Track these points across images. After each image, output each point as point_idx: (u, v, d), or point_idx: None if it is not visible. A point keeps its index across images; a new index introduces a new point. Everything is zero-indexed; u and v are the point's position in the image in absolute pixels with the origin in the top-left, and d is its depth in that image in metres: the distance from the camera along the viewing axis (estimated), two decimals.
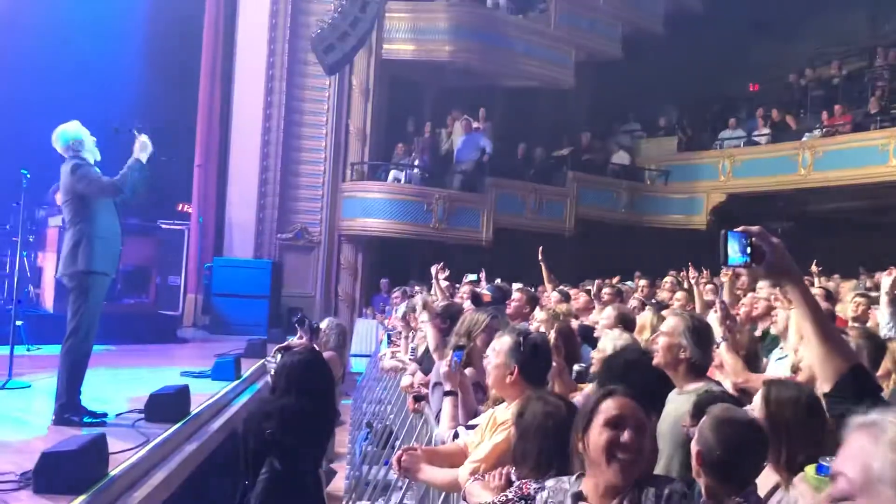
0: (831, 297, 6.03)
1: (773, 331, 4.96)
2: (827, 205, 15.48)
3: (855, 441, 0.96)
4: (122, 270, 10.88)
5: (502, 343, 3.04)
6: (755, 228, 1.88)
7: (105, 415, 5.38)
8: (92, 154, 5.37)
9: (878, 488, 0.90)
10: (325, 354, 6.07)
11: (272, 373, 4.26)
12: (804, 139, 15.07)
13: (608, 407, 2.08)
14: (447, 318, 5.32)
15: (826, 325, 1.92)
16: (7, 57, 12.19)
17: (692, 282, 6.62)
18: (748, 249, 1.87)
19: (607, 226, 16.33)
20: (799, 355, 3.74)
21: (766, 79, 17.99)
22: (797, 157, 14.92)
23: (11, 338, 6.39)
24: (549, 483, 2.20)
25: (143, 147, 5.35)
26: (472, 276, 9.73)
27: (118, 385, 6.78)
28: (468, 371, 3.85)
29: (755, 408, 2.48)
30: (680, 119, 18.14)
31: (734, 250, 1.88)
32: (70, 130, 5.36)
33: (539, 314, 5.75)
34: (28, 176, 6.63)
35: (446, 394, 3.53)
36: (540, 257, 8.43)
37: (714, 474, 2.16)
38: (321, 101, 14.73)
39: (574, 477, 2.14)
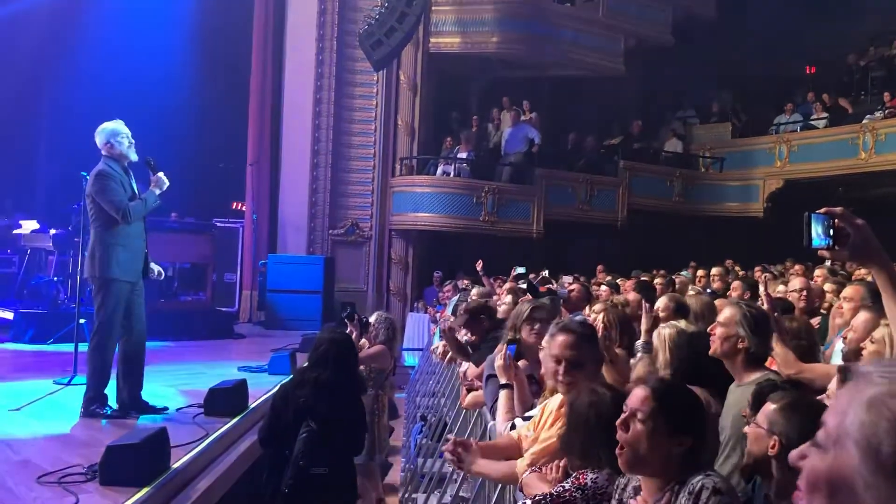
0: None
1: (850, 335, 4.79)
2: (890, 188, 14.96)
3: (844, 391, 0.95)
4: (179, 268, 11.19)
5: (566, 342, 3.00)
6: (838, 210, 1.82)
7: (164, 408, 5.52)
8: (127, 155, 5.50)
9: (845, 444, 0.89)
10: (376, 348, 6.15)
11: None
12: (865, 121, 14.58)
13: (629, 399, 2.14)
14: (479, 314, 5.30)
15: None
16: (68, 61, 12.57)
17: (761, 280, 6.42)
18: (831, 231, 1.81)
19: (660, 215, 16.04)
20: (852, 342, 3.61)
21: (824, 60, 17.47)
22: (858, 140, 14.45)
23: (76, 336, 6.58)
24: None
25: (158, 183, 5.61)
26: (521, 269, 9.68)
27: (177, 380, 6.94)
28: (520, 363, 3.84)
29: (830, 394, 2.41)
30: (734, 104, 17.72)
31: (817, 233, 1.82)
32: (107, 128, 5.51)
33: (597, 306, 5.69)
34: (87, 177, 6.81)
35: (501, 387, 3.51)
36: (480, 272, 8.42)
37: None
38: (370, 97, 14.81)
39: None
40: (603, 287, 7.88)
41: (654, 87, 17.62)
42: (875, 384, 0.90)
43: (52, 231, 10.63)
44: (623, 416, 2.10)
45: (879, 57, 16.23)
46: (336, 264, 13.74)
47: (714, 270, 8.41)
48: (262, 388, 6.45)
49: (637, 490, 2.12)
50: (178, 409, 5.67)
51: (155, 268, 5.78)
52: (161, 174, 5.64)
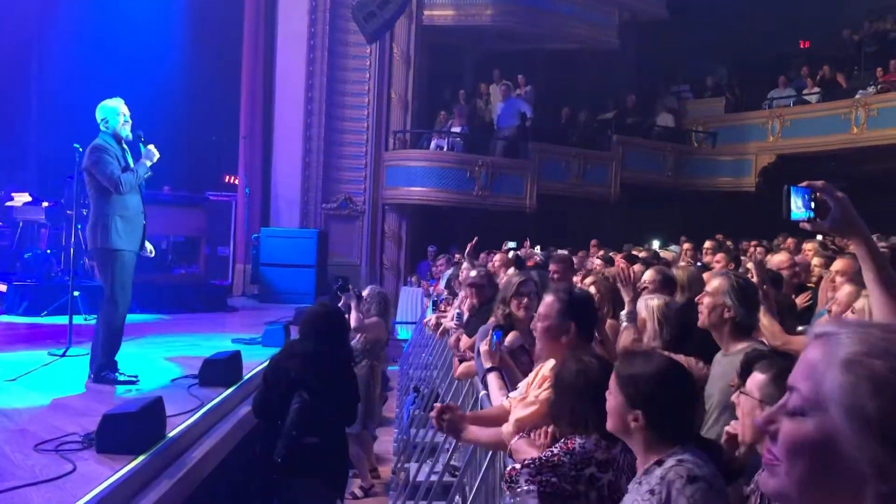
0: None
1: (835, 308, 4.84)
2: (881, 164, 15.01)
3: (811, 352, 0.94)
4: (173, 241, 11.20)
5: (551, 303, 3.04)
6: (819, 183, 1.85)
7: (136, 378, 5.59)
8: (120, 133, 5.61)
9: (827, 407, 0.90)
10: (370, 320, 6.23)
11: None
12: (857, 97, 14.60)
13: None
14: (482, 287, 5.35)
15: (892, 277, 1.89)
16: (59, 34, 12.46)
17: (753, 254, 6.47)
18: (812, 204, 1.85)
19: (653, 190, 16.09)
20: (836, 314, 3.67)
21: (819, 35, 17.42)
22: (850, 115, 14.48)
23: (69, 308, 6.61)
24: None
25: (148, 155, 5.71)
26: (512, 244, 9.73)
27: (172, 352, 6.99)
28: (511, 335, 3.88)
29: None
30: (728, 79, 17.69)
31: (797, 205, 1.86)
32: (106, 105, 5.67)
33: (587, 279, 5.74)
34: (80, 150, 6.79)
35: (488, 370, 3.55)
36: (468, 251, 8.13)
37: None
38: (363, 69, 14.73)
39: None
40: (597, 260, 7.95)
41: (649, 61, 17.57)
42: (845, 345, 0.91)
43: (45, 204, 10.60)
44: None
45: (873, 32, 16.21)
46: (329, 238, 13.76)
47: (706, 244, 8.48)
48: (256, 360, 6.50)
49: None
50: (173, 380, 5.72)
51: (148, 245, 5.86)
52: (151, 146, 5.72)
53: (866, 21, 16.49)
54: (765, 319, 3.83)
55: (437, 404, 3.21)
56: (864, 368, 0.88)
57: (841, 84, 15.44)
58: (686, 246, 9.34)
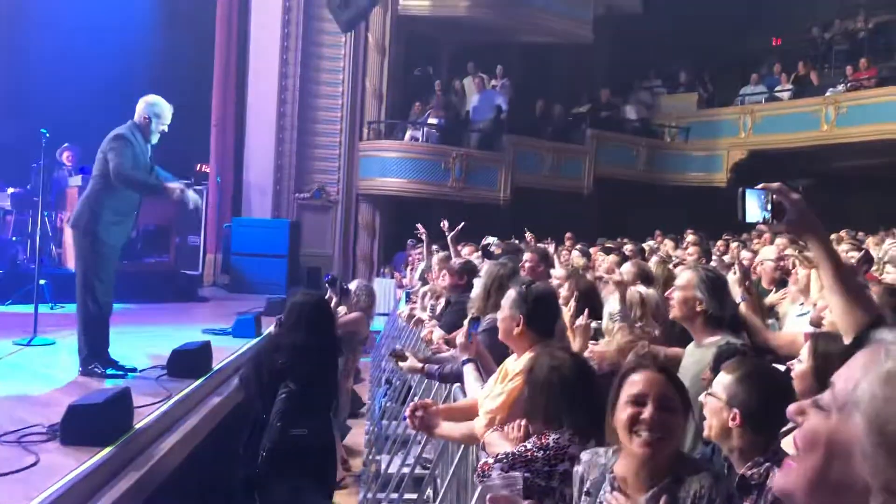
0: (870, 257, 5.91)
1: (793, 288, 4.90)
2: (850, 161, 15.23)
3: (860, 357, 0.92)
4: (143, 230, 11.02)
5: (508, 295, 3.06)
6: (775, 185, 1.87)
7: (132, 369, 5.48)
8: (154, 136, 5.53)
9: (852, 412, 0.87)
10: (354, 314, 6.22)
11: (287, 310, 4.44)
12: (827, 94, 14.78)
13: (632, 382, 2.02)
14: (464, 274, 5.34)
15: (848, 278, 1.91)
16: (24, 19, 12.19)
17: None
18: (768, 206, 1.86)
19: (627, 184, 16.17)
20: (820, 311, 3.71)
21: (790, 33, 17.61)
22: (820, 112, 14.66)
23: (35, 296, 6.48)
24: (585, 456, 2.17)
25: (184, 195, 5.58)
26: (491, 239, 9.67)
27: (141, 342, 6.87)
28: (489, 317, 3.88)
29: (802, 359, 2.44)
30: (701, 74, 17.83)
31: (753, 207, 1.87)
32: (154, 103, 5.55)
33: (557, 271, 5.75)
34: (47, 135, 6.64)
35: (464, 362, 3.55)
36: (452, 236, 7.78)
37: (753, 431, 2.05)
38: (337, 58, 14.62)
39: (611, 451, 2.09)
40: (574, 253, 7.99)
41: (623, 55, 17.62)
42: (894, 357, 0.88)
43: (10, 190, 10.38)
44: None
45: (843, 30, 16.43)
46: (302, 228, 13.65)
47: (689, 238, 8.55)
48: (227, 351, 6.43)
49: (616, 481, 2.03)
50: (141, 371, 5.63)
51: None
52: (193, 194, 5.63)
53: (837, 19, 16.71)
54: (747, 315, 3.87)
55: (413, 403, 3.19)
56: None
57: (812, 82, 15.63)
58: (659, 241, 9.39)
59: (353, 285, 6.48)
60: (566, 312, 4.01)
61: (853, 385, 0.89)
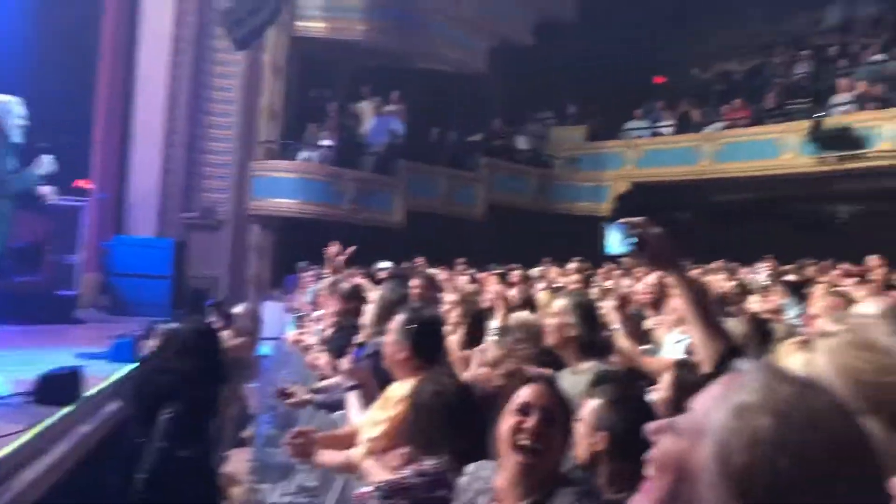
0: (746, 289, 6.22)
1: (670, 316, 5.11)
2: (727, 195, 16.12)
3: (716, 386, 0.95)
4: (12, 247, 10.37)
5: (395, 320, 3.06)
6: (637, 220, 1.95)
7: None
8: (12, 132, 5.22)
9: (703, 438, 0.89)
10: (240, 340, 6.04)
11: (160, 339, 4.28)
12: (706, 131, 15.65)
13: (521, 394, 2.06)
14: (353, 298, 5.30)
15: (706, 309, 2.01)
16: None
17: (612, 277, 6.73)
18: (632, 239, 1.94)
19: (519, 212, 16.54)
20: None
21: (673, 72, 18.56)
22: (699, 148, 15.50)
23: None
24: (470, 468, 2.18)
25: (39, 164, 5.29)
26: (385, 264, 9.64)
27: (7, 367, 6.43)
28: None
29: (663, 387, 2.51)
30: (590, 108, 18.50)
31: (616, 240, 1.95)
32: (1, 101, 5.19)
33: (448, 296, 5.79)
34: None
35: (349, 388, 3.51)
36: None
37: (620, 457, 2.08)
38: (231, 76, 14.33)
39: (496, 464, 2.10)
40: (462, 279, 8.06)
41: (516, 86, 18.08)
42: (748, 390, 0.89)
43: None
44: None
45: (721, 72, 17.48)
46: (189, 249, 13.20)
47: (573, 265, 8.79)
48: (102, 376, 6.10)
49: (495, 493, 2.05)
50: (3, 397, 5.26)
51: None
52: (48, 157, 5.33)
53: (716, 61, 17.77)
54: (624, 342, 4.00)
55: (293, 432, 3.12)
56: (751, 421, 0.86)
57: (692, 119, 16.50)
58: (574, 266, 9.50)
59: (239, 309, 6.32)
60: (454, 338, 4.05)
61: (706, 413, 0.91)
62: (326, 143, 14.44)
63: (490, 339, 4.06)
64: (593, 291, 6.23)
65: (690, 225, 16.18)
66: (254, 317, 6.30)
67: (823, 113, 13.77)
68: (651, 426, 0.99)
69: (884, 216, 14.55)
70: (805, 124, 13.64)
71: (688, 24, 17.74)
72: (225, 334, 5.80)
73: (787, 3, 17.27)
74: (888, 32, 15.85)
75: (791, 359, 2.72)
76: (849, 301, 4.02)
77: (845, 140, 13.03)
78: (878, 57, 14.86)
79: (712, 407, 0.91)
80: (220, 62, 14.21)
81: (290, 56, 14.71)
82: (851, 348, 1.72)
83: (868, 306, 3.32)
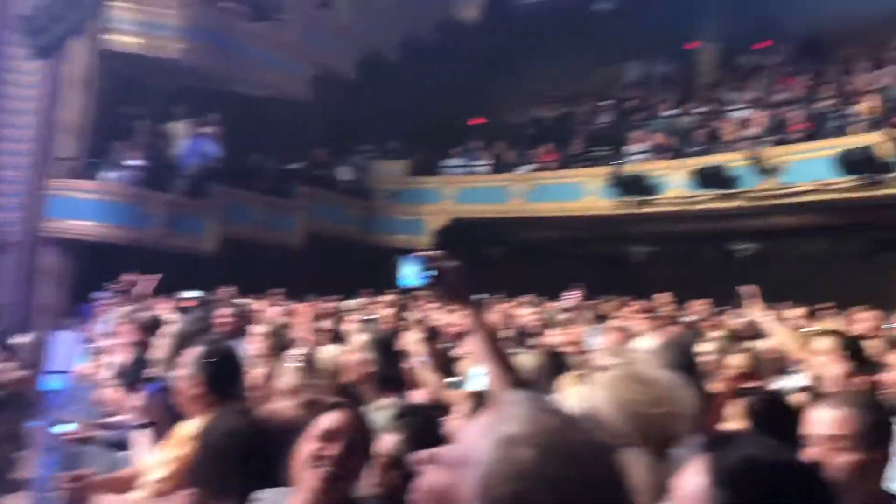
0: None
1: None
2: (538, 234, 16.96)
3: (483, 417, 0.98)
4: None
5: (189, 353, 2.91)
6: (433, 252, 1.98)
7: None
8: None
9: (467, 471, 0.91)
10: (21, 372, 5.50)
11: None
12: (518, 172, 16.47)
13: (325, 420, 2.03)
14: (150, 329, 5.01)
15: (494, 346, 2.07)
16: None
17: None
18: (428, 272, 1.96)
19: (339, 242, 16.47)
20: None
21: (491, 114, 19.38)
22: (512, 188, 16.26)
23: None
24: (267, 493, 2.11)
25: None
26: (191, 293, 9.21)
27: None
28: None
29: (456, 418, 2.55)
30: (410, 143, 18.88)
31: (410, 272, 1.96)
32: None
33: (258, 328, 5.60)
34: None
35: (139, 426, 3.29)
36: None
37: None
38: (29, 86, 13.22)
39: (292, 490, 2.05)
40: (274, 309, 7.86)
41: (339, 117, 18.09)
42: (512, 421, 0.91)
43: None
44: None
45: (533, 117, 18.53)
46: None
47: (385, 298, 8.81)
48: None
49: None
50: None
51: None
52: None
53: (529, 107, 18.79)
54: (428, 375, 4.05)
55: (68, 476, 2.87)
56: (515, 453, 0.88)
57: (507, 160, 17.29)
58: (386, 299, 9.54)
59: (20, 340, 5.77)
60: (260, 371, 3.93)
61: (472, 444, 0.93)
62: (134, 162, 13.64)
63: (290, 366, 3.97)
64: (404, 324, 6.29)
65: (503, 260, 16.87)
66: (37, 348, 5.76)
67: (622, 160, 14.92)
68: (417, 456, 1.00)
69: (674, 258, 15.96)
70: (606, 170, 14.69)
71: (504, 71, 18.61)
72: (5, 367, 5.28)
73: (592, 59, 18.56)
74: (680, 90, 17.53)
75: (571, 391, 2.89)
76: (630, 335, 4.32)
77: (640, 186, 14.16)
78: (671, 112, 16.39)
79: (478, 437, 0.93)
80: (16, 71, 13.09)
81: (99, 70, 13.81)
82: (625, 381, 1.85)
83: (645, 341, 3.60)
